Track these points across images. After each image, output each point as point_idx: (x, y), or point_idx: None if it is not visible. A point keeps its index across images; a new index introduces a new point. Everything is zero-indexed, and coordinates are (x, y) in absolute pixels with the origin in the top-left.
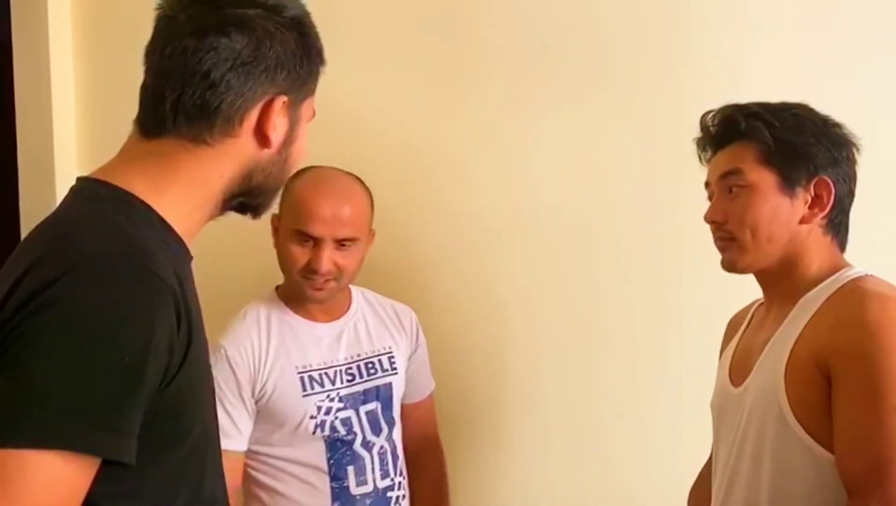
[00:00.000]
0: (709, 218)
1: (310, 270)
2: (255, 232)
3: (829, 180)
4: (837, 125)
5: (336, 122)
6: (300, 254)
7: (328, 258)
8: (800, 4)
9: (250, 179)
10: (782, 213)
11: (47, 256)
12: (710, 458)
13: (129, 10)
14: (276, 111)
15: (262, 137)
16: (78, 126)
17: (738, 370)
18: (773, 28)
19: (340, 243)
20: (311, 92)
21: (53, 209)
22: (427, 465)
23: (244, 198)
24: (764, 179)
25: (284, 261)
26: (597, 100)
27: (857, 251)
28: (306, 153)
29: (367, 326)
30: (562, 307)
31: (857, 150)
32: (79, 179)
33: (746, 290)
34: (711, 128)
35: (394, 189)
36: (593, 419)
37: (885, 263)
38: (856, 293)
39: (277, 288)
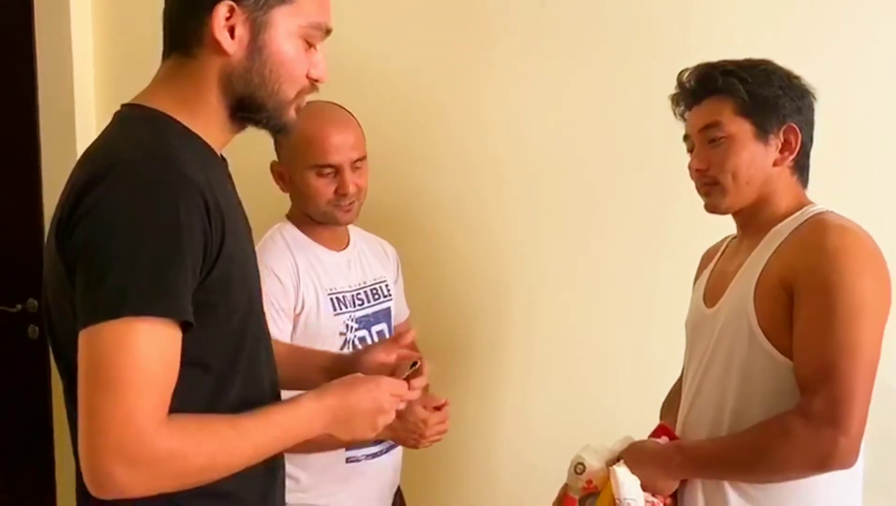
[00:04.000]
0: (693, 166)
1: (339, 197)
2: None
3: (796, 127)
4: (798, 77)
5: (347, 71)
6: (324, 185)
7: (351, 181)
8: None
9: (232, 88)
10: (758, 158)
11: (90, 165)
12: (682, 374)
13: None
14: (218, 17)
15: (215, 43)
16: (97, 81)
17: (712, 294)
18: None
19: (354, 165)
20: (276, 1)
21: (73, 157)
22: None
23: (246, 113)
24: (741, 129)
25: (308, 195)
26: (591, 52)
27: (836, 202)
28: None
29: (367, 257)
30: (557, 250)
31: (815, 98)
32: (122, 106)
33: (721, 232)
34: (688, 84)
35: (399, 134)
36: (581, 351)
37: (862, 213)
38: (819, 225)
39: (288, 217)
